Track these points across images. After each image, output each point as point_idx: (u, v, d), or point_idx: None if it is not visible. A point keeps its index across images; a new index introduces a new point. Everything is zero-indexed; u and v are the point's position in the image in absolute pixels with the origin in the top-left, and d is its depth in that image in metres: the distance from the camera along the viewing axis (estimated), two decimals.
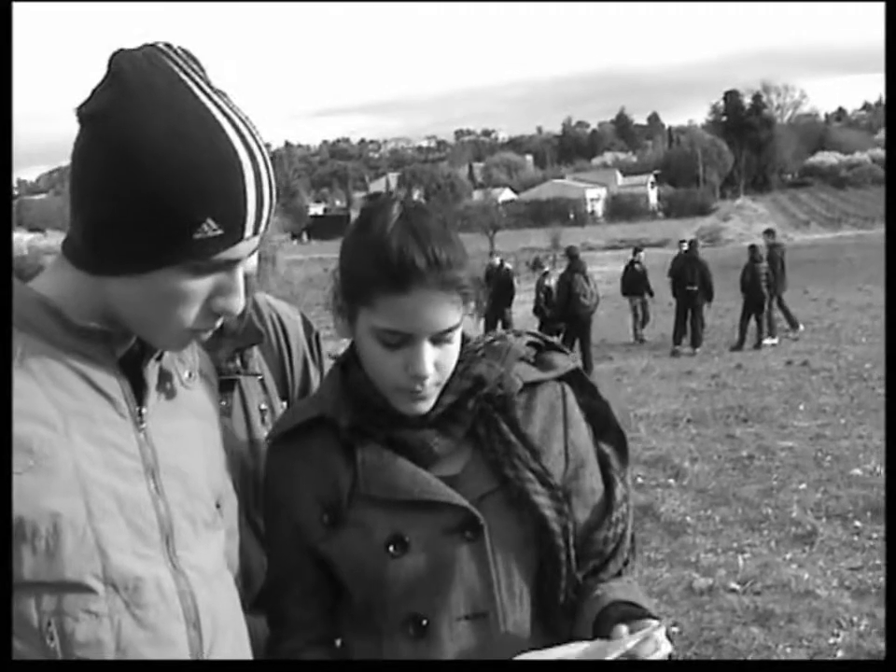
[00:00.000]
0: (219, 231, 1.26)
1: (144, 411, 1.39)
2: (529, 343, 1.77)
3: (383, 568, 1.59)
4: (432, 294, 1.52)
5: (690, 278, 18.13)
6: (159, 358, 1.43)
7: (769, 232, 20.67)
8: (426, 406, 1.62)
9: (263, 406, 2.07)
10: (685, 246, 19.65)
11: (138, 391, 1.39)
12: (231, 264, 1.31)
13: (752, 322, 17.65)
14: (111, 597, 1.28)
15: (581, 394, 1.78)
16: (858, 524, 7.03)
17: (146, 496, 1.35)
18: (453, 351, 1.61)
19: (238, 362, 2.02)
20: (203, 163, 1.23)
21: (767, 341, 17.62)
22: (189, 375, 1.53)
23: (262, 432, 2.00)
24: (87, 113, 1.27)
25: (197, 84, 1.27)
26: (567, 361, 1.78)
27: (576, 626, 1.64)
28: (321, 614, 1.71)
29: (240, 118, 1.29)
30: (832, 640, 5.16)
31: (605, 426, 1.80)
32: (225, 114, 1.27)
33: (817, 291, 26.07)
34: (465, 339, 1.71)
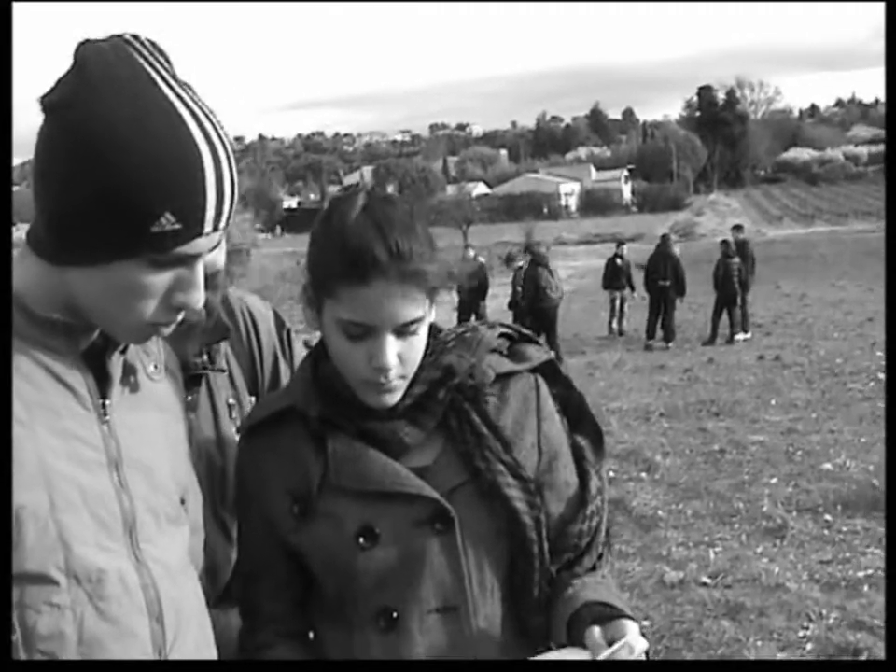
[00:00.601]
0: (178, 226, 1.25)
1: (108, 403, 1.37)
2: (502, 335, 1.75)
3: (353, 560, 1.58)
4: (394, 286, 1.50)
5: (662, 273, 18.22)
6: (123, 351, 1.42)
7: (737, 228, 20.76)
8: (392, 399, 1.60)
9: (231, 401, 2.05)
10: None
11: (102, 384, 1.38)
12: (190, 259, 1.30)
13: (725, 317, 17.75)
14: (74, 589, 1.27)
15: (555, 385, 1.76)
16: (828, 517, 7.07)
17: (109, 488, 1.34)
18: (418, 343, 1.59)
19: (205, 357, 2.01)
20: (164, 157, 1.22)
21: (740, 335, 17.73)
22: (155, 367, 1.52)
23: (230, 427, 2.00)
24: (50, 102, 1.26)
25: (162, 77, 1.26)
26: (540, 353, 1.76)
27: (550, 625, 1.63)
28: (292, 608, 1.71)
29: (204, 112, 1.28)
30: (801, 633, 5.18)
31: (580, 417, 1.79)
32: (189, 108, 1.26)
33: (789, 286, 26.26)
34: (437, 330, 1.70)
